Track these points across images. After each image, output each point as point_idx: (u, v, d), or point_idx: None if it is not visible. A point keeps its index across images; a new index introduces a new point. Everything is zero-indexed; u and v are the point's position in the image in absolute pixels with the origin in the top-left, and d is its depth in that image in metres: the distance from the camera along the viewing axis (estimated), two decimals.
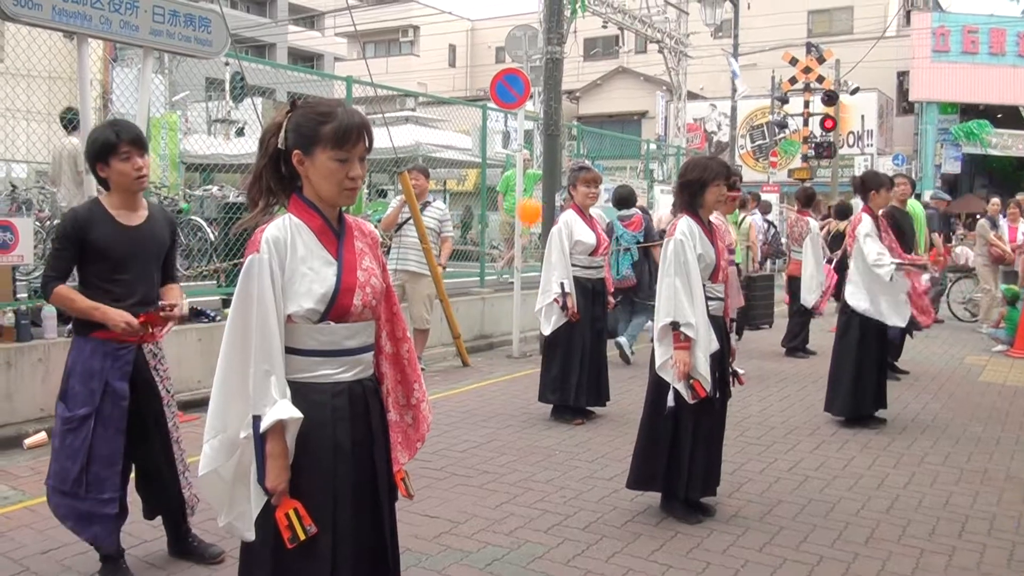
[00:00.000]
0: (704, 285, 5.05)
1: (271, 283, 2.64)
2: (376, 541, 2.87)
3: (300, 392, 2.70)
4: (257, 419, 2.60)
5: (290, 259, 2.68)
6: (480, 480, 5.68)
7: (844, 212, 11.56)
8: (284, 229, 2.71)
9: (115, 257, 4.06)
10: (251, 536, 2.74)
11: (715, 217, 5.42)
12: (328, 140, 2.66)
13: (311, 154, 2.68)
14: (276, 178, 2.75)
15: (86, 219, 4.05)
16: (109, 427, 4.02)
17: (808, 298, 10.33)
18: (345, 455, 2.77)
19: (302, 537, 2.62)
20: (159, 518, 4.41)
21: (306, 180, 2.74)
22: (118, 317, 3.97)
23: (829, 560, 4.52)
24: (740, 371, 5.37)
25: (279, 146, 2.71)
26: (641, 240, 10.21)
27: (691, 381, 4.85)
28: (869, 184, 7.37)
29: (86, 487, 3.99)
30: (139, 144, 4.10)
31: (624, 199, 10.38)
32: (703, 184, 5.08)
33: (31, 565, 4.31)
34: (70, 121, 9.50)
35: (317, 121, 2.67)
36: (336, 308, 2.72)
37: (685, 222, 5.07)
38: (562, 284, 7.13)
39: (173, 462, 4.25)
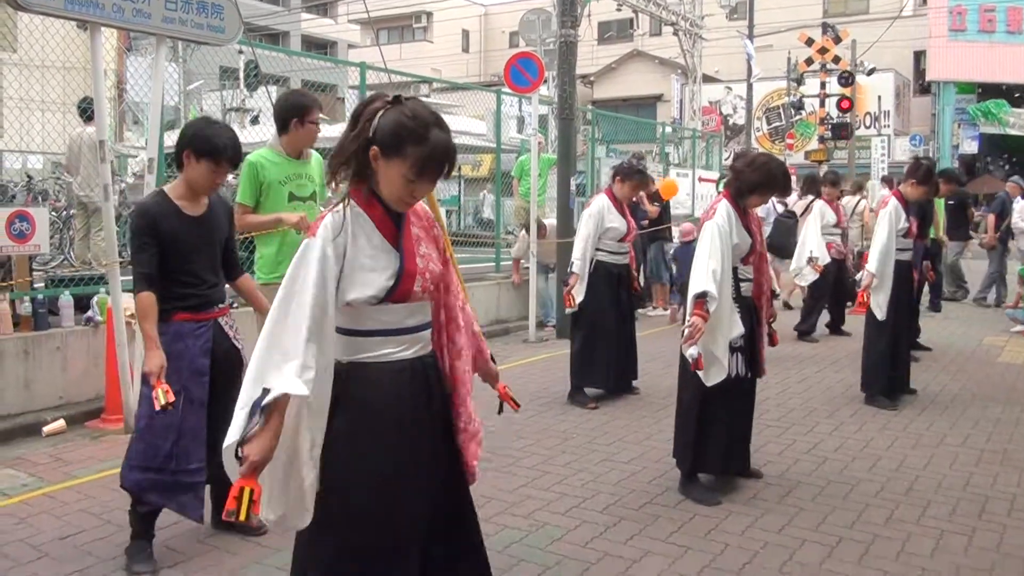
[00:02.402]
0: (736, 268, 5.08)
1: (320, 269, 2.63)
2: (451, 508, 2.95)
3: (364, 371, 2.76)
4: (266, 391, 2.59)
5: (349, 247, 2.69)
6: (498, 464, 5.68)
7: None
8: (345, 217, 2.71)
9: (184, 248, 4.18)
10: (303, 524, 2.77)
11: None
12: (408, 159, 2.63)
13: (388, 159, 2.65)
14: (364, 159, 2.70)
15: (156, 212, 4.16)
16: (195, 402, 4.18)
17: (801, 275, 10.58)
18: (408, 431, 2.81)
19: (242, 518, 2.58)
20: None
21: (376, 172, 2.72)
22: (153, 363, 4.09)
23: (848, 541, 4.50)
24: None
25: (368, 134, 2.66)
26: None
27: (698, 352, 4.83)
28: (921, 175, 7.25)
29: (176, 461, 4.12)
30: (236, 165, 4.26)
31: None
32: (753, 190, 5.11)
33: (50, 551, 4.34)
34: (83, 111, 9.55)
35: (407, 137, 2.62)
36: (397, 295, 2.74)
37: (724, 208, 5.07)
38: (572, 264, 7.32)
39: None
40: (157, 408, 3.97)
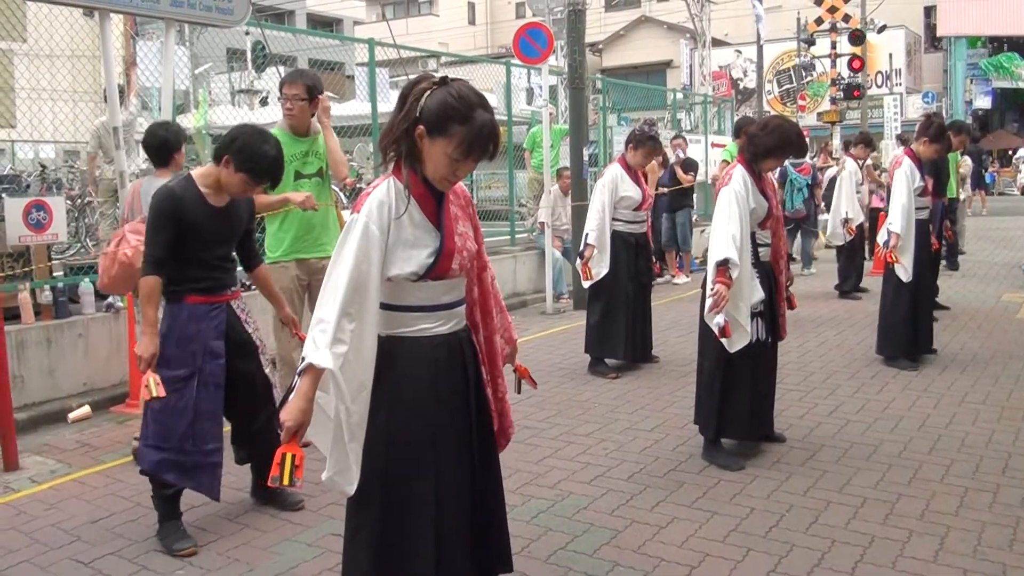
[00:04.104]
0: (753, 233, 5.08)
1: (361, 245, 2.69)
2: (481, 484, 3.00)
3: (402, 346, 2.85)
4: (303, 359, 2.70)
5: (393, 225, 2.75)
6: (522, 435, 5.69)
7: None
8: (389, 194, 2.77)
9: (203, 236, 4.23)
10: (352, 490, 2.83)
11: None
12: (453, 139, 2.69)
13: (433, 138, 2.71)
14: (411, 138, 2.75)
15: (181, 197, 4.19)
16: (210, 384, 4.24)
17: (833, 235, 11.11)
18: (445, 404, 2.89)
19: (285, 483, 2.67)
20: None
21: (421, 151, 2.77)
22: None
23: (873, 502, 4.52)
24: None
25: (415, 113, 2.72)
26: (810, 183, 12.72)
27: (724, 319, 4.82)
28: (933, 133, 7.18)
29: (192, 441, 4.18)
30: (273, 185, 4.36)
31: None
32: (769, 153, 5.08)
33: (82, 534, 4.39)
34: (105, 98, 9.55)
35: (453, 116, 2.67)
36: (436, 272, 2.81)
37: (740, 173, 5.05)
38: (586, 235, 7.26)
39: (271, 411, 4.44)
40: (146, 398, 4.03)
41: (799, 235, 13.31)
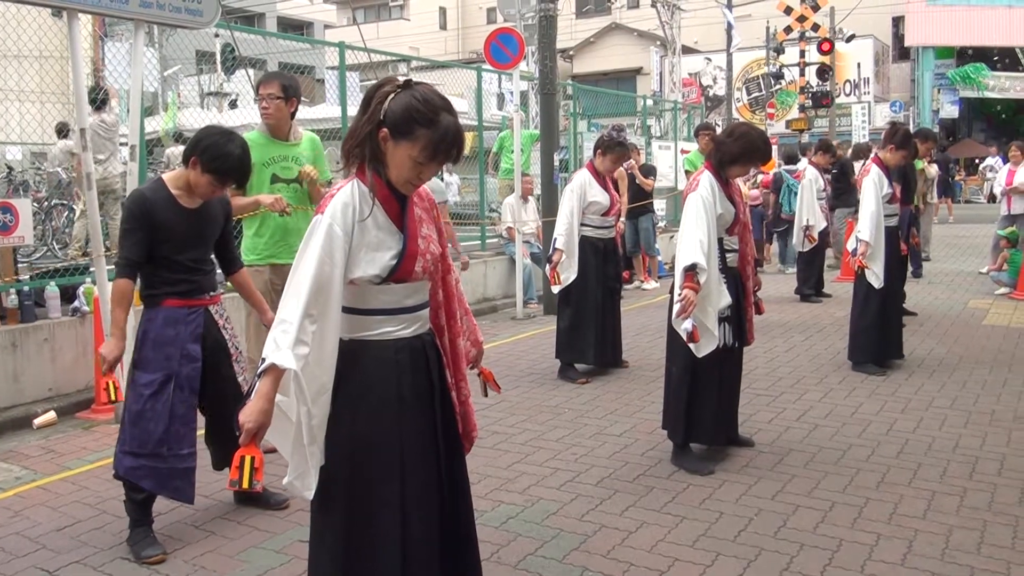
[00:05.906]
0: (721, 239, 5.10)
1: (324, 246, 2.68)
2: (446, 485, 2.99)
3: (365, 349, 2.83)
4: (263, 360, 2.67)
5: (357, 227, 2.74)
6: (491, 441, 5.70)
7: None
8: (352, 196, 2.76)
9: (176, 238, 4.20)
10: (310, 495, 2.81)
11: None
12: (418, 142, 2.68)
13: (397, 142, 2.70)
14: (375, 141, 2.75)
15: (152, 201, 4.17)
16: (185, 388, 4.22)
17: (797, 242, 11.37)
18: (409, 406, 2.88)
19: (245, 486, 2.65)
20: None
21: (384, 154, 2.76)
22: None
23: (841, 506, 4.54)
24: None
25: (379, 116, 2.71)
26: None
27: (692, 324, 4.83)
28: (899, 140, 7.25)
29: (168, 446, 4.15)
30: (241, 185, 4.38)
31: (791, 157, 13.78)
32: (735, 160, 5.10)
33: (47, 543, 4.33)
34: (92, 100, 9.49)
35: (417, 119, 2.66)
36: (399, 274, 2.81)
37: (707, 179, 5.06)
38: (555, 240, 7.28)
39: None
40: (104, 401, 3.99)
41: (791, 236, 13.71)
